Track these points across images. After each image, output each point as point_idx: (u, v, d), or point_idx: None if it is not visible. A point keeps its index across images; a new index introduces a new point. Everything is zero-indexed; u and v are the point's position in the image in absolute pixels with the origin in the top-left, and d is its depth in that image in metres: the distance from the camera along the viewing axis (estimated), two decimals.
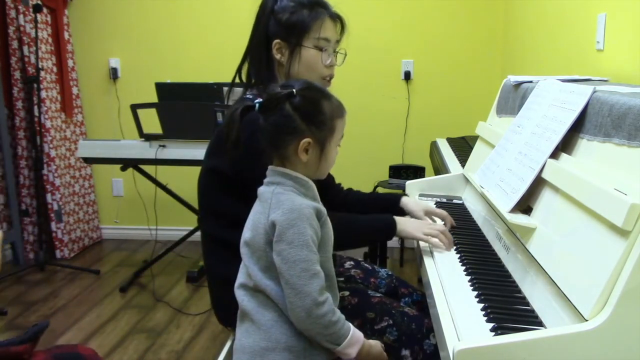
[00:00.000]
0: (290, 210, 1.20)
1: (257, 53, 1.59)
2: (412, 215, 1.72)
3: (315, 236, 1.21)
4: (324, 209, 1.25)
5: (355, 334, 1.23)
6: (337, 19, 1.59)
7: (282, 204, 1.22)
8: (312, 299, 1.16)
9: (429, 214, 1.69)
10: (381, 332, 1.45)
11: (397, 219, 1.55)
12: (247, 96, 1.56)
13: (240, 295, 1.27)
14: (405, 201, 1.75)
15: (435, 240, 1.49)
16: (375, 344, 1.29)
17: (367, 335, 1.45)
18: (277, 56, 1.56)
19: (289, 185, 1.25)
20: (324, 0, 1.59)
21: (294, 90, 1.25)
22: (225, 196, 1.50)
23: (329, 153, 1.29)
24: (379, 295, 1.56)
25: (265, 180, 1.29)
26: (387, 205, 1.77)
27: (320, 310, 1.17)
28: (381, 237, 1.65)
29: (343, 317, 1.21)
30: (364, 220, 1.57)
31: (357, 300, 1.50)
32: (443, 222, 1.66)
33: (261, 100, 1.27)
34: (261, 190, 1.29)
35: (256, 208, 1.29)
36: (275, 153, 1.29)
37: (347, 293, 1.52)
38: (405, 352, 1.43)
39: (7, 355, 0.77)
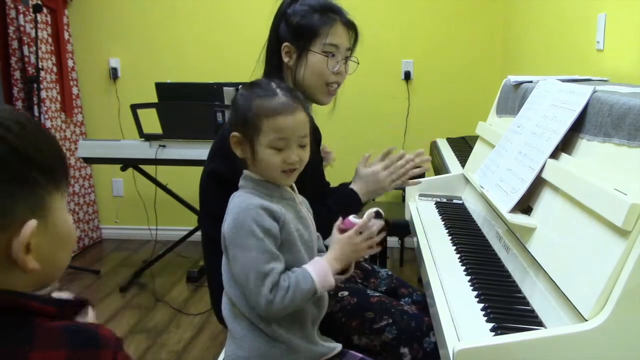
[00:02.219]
0: (236, 213, 1.18)
1: (269, 55, 1.59)
2: (359, 175, 1.66)
3: (266, 234, 1.16)
4: (279, 210, 1.19)
5: (317, 273, 1.19)
6: (350, 26, 1.57)
7: (231, 209, 1.21)
8: (266, 300, 1.15)
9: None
10: (380, 331, 1.45)
11: (355, 187, 1.60)
12: None
13: (223, 304, 1.29)
14: (354, 178, 1.68)
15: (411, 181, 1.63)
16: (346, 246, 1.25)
17: (366, 335, 1.46)
18: (286, 59, 1.56)
19: (249, 188, 1.24)
20: (338, 6, 1.58)
21: (239, 87, 1.30)
22: (224, 198, 1.50)
23: (259, 154, 1.21)
24: (377, 294, 1.56)
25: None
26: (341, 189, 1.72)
27: (276, 304, 1.15)
28: (354, 210, 1.60)
29: (295, 275, 1.17)
30: (333, 205, 1.56)
31: (356, 300, 1.50)
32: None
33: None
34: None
35: None
36: None
37: (346, 293, 1.51)
38: (404, 350, 1.43)
39: (28, 309, 0.65)
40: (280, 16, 1.56)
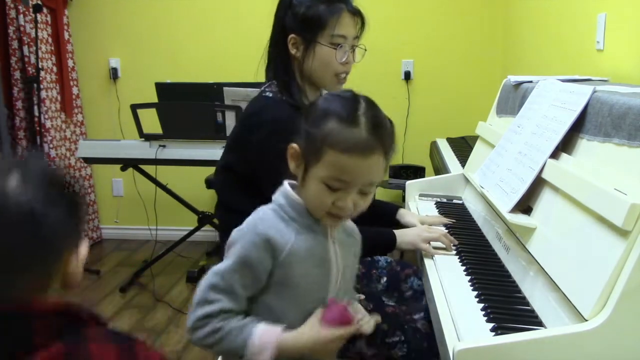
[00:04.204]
0: (239, 229, 1.06)
1: (275, 48, 1.57)
2: (408, 226, 1.69)
3: (244, 267, 1.03)
4: (286, 245, 1.03)
5: (259, 340, 1.03)
6: (356, 14, 1.56)
7: (246, 221, 1.07)
8: (193, 323, 1.03)
9: (424, 222, 1.67)
10: (391, 346, 1.43)
11: (396, 232, 1.54)
12: (265, 93, 1.56)
13: None
14: (401, 212, 1.73)
15: (434, 251, 1.46)
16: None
17: (376, 346, 1.43)
18: (293, 51, 1.54)
19: (276, 205, 1.08)
20: None
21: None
22: (239, 193, 1.50)
23: (309, 183, 1.04)
24: (392, 304, 1.54)
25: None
26: (384, 215, 1.74)
27: (198, 335, 1.03)
28: (381, 251, 1.63)
29: (236, 327, 1.03)
30: (365, 231, 1.56)
31: (372, 307, 1.47)
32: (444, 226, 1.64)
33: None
34: None
35: None
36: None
37: (362, 297, 1.50)
38: None
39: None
40: (286, 6, 1.54)
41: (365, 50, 1.60)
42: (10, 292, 0.79)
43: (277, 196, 1.10)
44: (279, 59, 1.56)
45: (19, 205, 0.78)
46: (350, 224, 1.19)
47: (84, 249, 0.89)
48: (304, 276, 1.06)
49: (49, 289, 0.85)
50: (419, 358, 1.42)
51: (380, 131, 1.01)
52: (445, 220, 1.66)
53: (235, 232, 1.06)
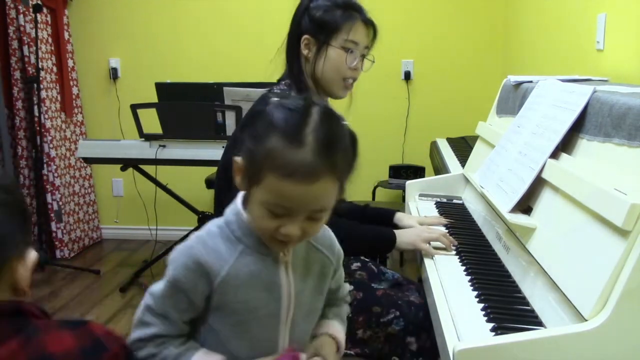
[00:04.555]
0: (180, 247, 0.98)
1: (290, 49, 1.62)
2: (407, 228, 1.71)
3: (176, 290, 0.95)
4: (222, 269, 0.94)
5: None
6: (369, 24, 1.60)
7: (191, 238, 0.99)
8: (133, 342, 0.96)
9: (422, 223, 1.68)
10: (387, 324, 1.45)
11: (396, 232, 1.55)
12: (274, 91, 1.60)
13: None
14: (399, 216, 1.74)
15: (434, 251, 1.46)
16: None
17: (372, 329, 1.45)
18: (305, 52, 1.59)
19: (224, 222, 0.99)
20: (359, 4, 1.61)
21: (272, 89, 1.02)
22: (236, 193, 1.51)
23: (252, 204, 0.93)
24: (382, 287, 1.56)
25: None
26: (381, 221, 1.75)
27: (138, 354, 0.96)
28: (380, 249, 1.65)
29: (174, 354, 0.96)
30: (366, 230, 1.57)
31: (362, 295, 1.50)
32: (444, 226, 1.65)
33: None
34: None
35: None
36: None
37: (351, 287, 1.51)
38: (411, 339, 1.44)
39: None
40: (304, 9, 1.59)
41: (373, 62, 1.64)
42: None
43: (228, 212, 0.99)
44: (292, 59, 1.60)
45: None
46: (324, 235, 1.05)
47: (31, 256, 0.90)
48: (245, 302, 0.96)
49: None
50: (416, 328, 1.45)
51: (331, 152, 0.87)
52: (444, 220, 1.67)
53: (175, 250, 0.97)
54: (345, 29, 1.56)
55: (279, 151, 0.86)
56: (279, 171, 0.85)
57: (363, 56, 1.62)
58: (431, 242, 1.49)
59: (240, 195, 0.99)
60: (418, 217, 1.76)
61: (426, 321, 1.43)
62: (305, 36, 1.57)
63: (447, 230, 1.59)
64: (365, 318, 1.45)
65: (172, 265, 0.96)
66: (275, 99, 0.93)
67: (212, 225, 0.99)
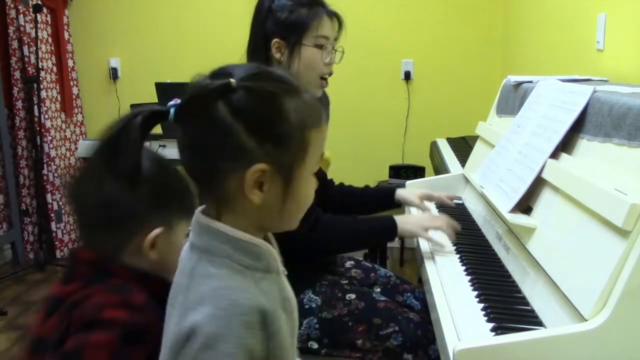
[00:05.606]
0: (222, 309, 0.75)
1: (256, 53, 1.59)
2: (407, 203, 1.75)
3: (255, 351, 0.77)
4: (273, 310, 0.80)
5: None
6: (334, 16, 1.59)
7: (209, 297, 0.77)
8: None
9: (424, 197, 1.70)
10: (386, 338, 1.44)
11: (397, 218, 1.52)
12: None
13: None
14: (399, 193, 1.77)
15: (435, 239, 1.47)
16: None
17: (371, 341, 1.46)
18: (277, 55, 1.56)
19: (223, 256, 0.80)
20: None
21: (232, 80, 0.77)
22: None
23: (299, 187, 0.81)
24: (384, 299, 1.55)
25: (188, 238, 0.85)
26: (382, 198, 1.77)
27: None
28: (382, 240, 1.65)
29: None
30: (364, 224, 1.56)
31: (363, 305, 1.49)
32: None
33: (178, 101, 0.82)
34: (181, 258, 0.86)
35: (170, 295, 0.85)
36: (206, 190, 0.83)
37: (353, 296, 1.51)
38: (408, 356, 1.43)
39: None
40: (266, 12, 1.57)
41: (343, 52, 1.63)
42: (107, 243, 0.97)
43: (216, 248, 0.80)
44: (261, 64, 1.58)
45: (149, 169, 0.98)
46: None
47: (154, 232, 0.98)
48: (287, 336, 0.83)
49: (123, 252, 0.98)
50: (414, 346, 1.44)
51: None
52: (447, 197, 1.68)
53: (208, 326, 0.75)
54: (314, 26, 1.54)
55: (305, 105, 0.80)
56: (317, 121, 0.82)
57: (334, 50, 1.61)
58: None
59: (203, 216, 0.83)
60: (420, 191, 1.77)
61: (424, 338, 1.44)
62: (275, 40, 1.55)
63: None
64: (366, 328, 1.45)
65: (224, 339, 0.74)
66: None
67: (216, 272, 0.80)
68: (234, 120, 0.77)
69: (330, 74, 1.60)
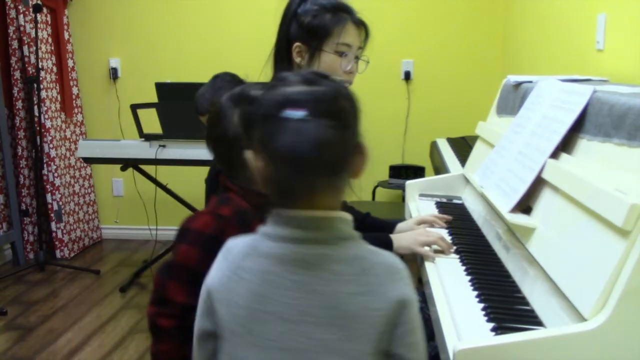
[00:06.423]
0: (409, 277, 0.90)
1: (279, 56, 1.58)
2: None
3: None
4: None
5: None
6: (360, 25, 1.57)
7: (397, 270, 0.90)
8: None
9: (421, 222, 1.66)
10: None
11: (393, 236, 1.53)
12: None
13: None
14: (399, 227, 1.69)
15: (433, 254, 1.45)
16: None
17: None
18: (297, 59, 1.55)
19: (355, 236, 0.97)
20: (348, 5, 1.58)
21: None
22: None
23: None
24: None
25: (337, 237, 0.94)
26: (381, 229, 1.73)
27: None
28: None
29: None
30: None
31: None
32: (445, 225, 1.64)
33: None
34: (349, 253, 0.93)
35: (341, 287, 0.88)
36: (332, 184, 0.93)
37: None
38: None
39: None
40: (291, 16, 1.55)
41: (368, 62, 1.60)
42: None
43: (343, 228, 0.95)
44: (283, 67, 1.57)
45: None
46: None
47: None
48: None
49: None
50: None
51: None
52: (442, 218, 1.65)
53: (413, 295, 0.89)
54: (336, 33, 1.52)
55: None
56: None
57: (357, 58, 1.59)
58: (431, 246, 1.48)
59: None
60: (415, 218, 1.74)
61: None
62: (297, 44, 1.53)
63: (447, 231, 1.58)
64: None
65: None
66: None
67: (371, 250, 0.95)
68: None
69: (350, 83, 1.56)
